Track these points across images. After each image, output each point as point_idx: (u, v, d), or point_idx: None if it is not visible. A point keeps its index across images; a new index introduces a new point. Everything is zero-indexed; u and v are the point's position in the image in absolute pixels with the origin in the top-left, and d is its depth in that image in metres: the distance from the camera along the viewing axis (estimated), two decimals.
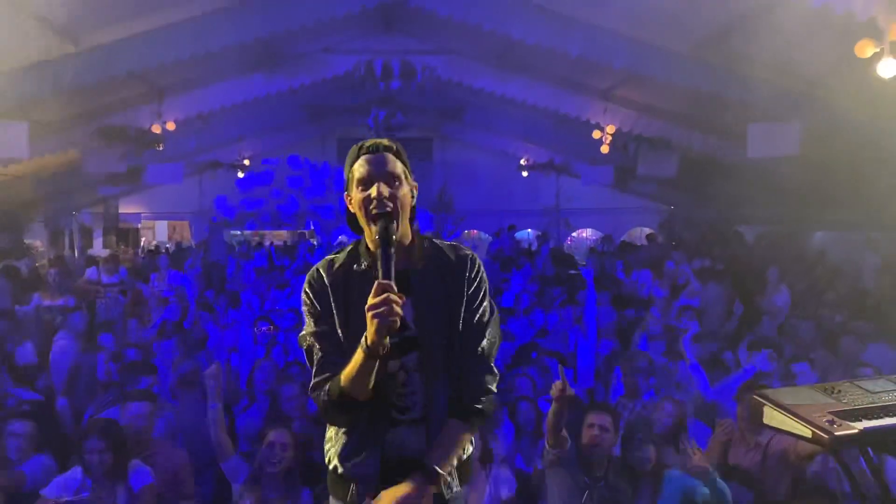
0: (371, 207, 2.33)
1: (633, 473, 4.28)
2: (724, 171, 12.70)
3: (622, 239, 17.92)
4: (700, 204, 16.74)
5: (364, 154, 2.42)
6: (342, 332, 2.38)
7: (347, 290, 2.40)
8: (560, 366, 4.37)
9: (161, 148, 12.15)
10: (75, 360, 6.99)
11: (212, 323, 8.36)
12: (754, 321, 9.03)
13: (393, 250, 2.22)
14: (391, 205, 2.34)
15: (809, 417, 2.20)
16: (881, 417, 2.23)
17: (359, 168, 2.40)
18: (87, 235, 19.14)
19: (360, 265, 2.42)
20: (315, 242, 15.77)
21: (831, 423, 2.17)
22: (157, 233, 21.86)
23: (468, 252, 2.54)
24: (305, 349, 2.44)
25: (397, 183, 2.38)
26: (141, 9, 8.25)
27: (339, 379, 2.29)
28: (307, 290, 2.44)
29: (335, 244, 14.61)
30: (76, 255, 16.44)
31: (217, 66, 10.94)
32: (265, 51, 10.89)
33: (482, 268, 2.52)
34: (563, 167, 18.55)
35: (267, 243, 16.88)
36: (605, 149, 12.75)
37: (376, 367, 2.23)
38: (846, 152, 9.19)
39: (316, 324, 2.42)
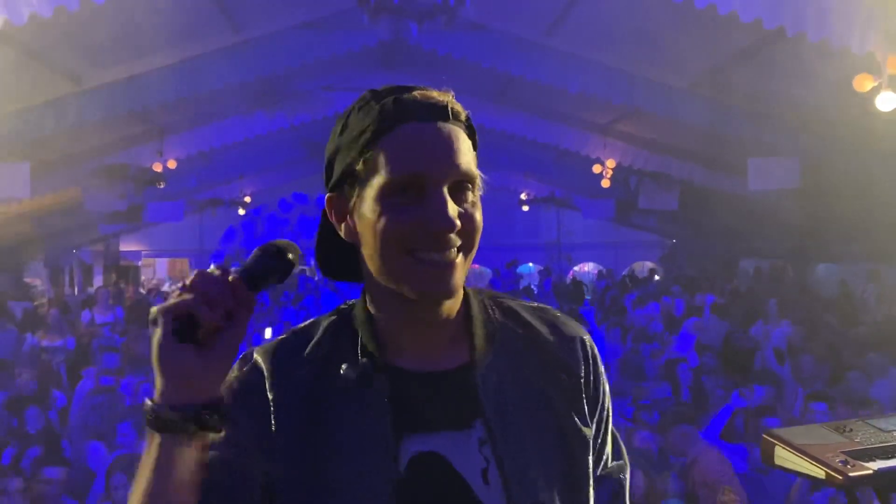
0: (418, 245, 1.06)
1: None
2: (725, 205, 12.70)
3: (623, 273, 17.90)
4: (701, 237, 16.73)
5: (408, 119, 1.10)
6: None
7: (323, 419, 1.09)
8: None
9: (162, 186, 12.19)
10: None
11: None
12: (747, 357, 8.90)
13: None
14: (459, 243, 1.09)
15: (822, 458, 2.14)
16: (895, 457, 2.18)
17: (396, 147, 1.08)
18: (87, 273, 19.13)
19: (355, 367, 1.11)
20: (316, 279, 15.68)
21: (845, 463, 2.11)
22: (157, 270, 21.86)
23: (575, 325, 1.27)
24: None
25: (470, 192, 1.11)
26: (142, 49, 8.30)
27: None
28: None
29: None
30: (76, 292, 16.40)
31: (218, 105, 10.98)
32: (266, 89, 10.95)
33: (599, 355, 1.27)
34: (563, 201, 18.59)
35: None
36: (605, 183, 12.77)
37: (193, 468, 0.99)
38: (846, 185, 9.20)
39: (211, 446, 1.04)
